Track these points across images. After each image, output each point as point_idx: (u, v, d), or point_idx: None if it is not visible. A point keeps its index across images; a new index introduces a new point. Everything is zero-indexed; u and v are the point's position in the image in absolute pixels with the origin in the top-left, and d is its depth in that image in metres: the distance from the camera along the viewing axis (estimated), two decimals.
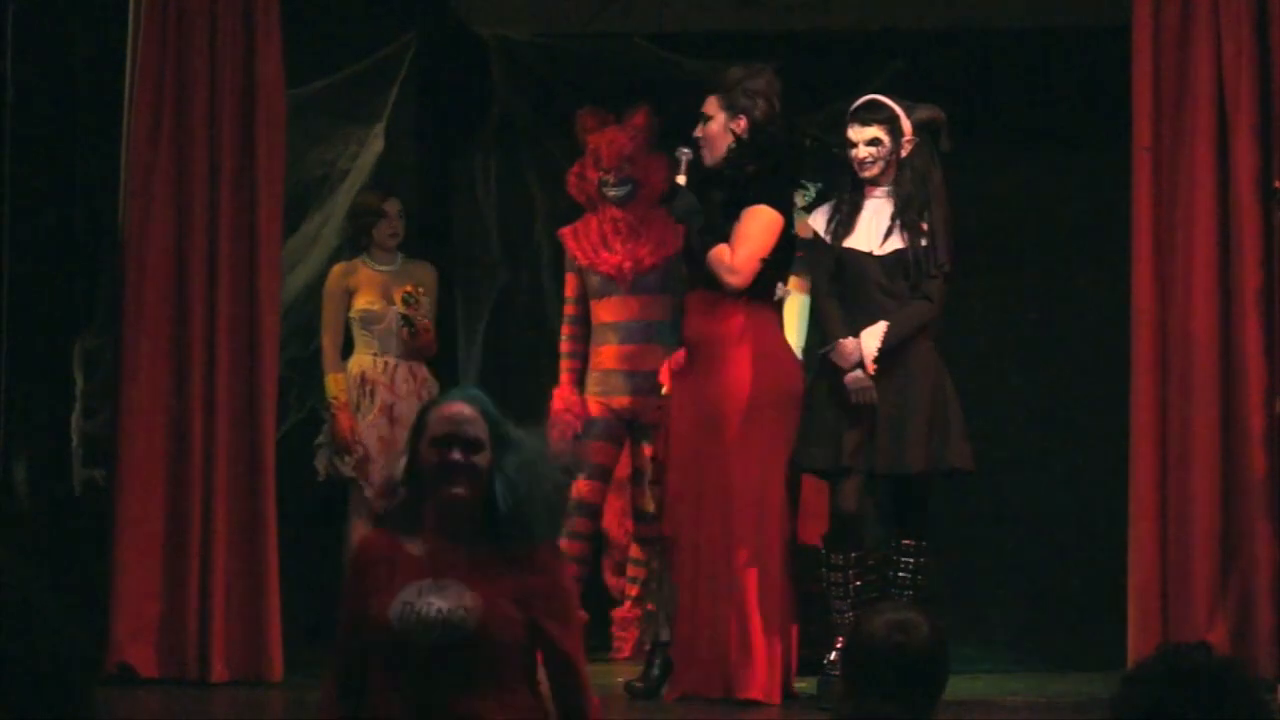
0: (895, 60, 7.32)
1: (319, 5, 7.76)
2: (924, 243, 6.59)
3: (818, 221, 6.74)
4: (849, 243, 6.65)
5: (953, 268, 6.62)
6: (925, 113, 6.68)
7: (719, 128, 6.80)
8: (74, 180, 7.83)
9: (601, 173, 7.64)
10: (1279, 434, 6.71)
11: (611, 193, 7.66)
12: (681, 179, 6.80)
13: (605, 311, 7.71)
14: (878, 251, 6.62)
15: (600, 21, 8.18)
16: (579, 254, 7.76)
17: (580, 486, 7.61)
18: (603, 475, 7.70)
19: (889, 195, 6.65)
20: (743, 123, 6.81)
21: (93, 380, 7.30)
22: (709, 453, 6.69)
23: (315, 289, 7.83)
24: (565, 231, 7.83)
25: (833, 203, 6.74)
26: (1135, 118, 6.86)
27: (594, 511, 7.71)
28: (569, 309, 7.85)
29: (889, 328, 6.53)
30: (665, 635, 6.85)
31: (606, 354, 7.69)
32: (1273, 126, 6.78)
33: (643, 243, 7.70)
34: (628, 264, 7.70)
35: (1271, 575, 6.71)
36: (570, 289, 7.85)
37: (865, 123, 6.65)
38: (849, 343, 6.54)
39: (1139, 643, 6.66)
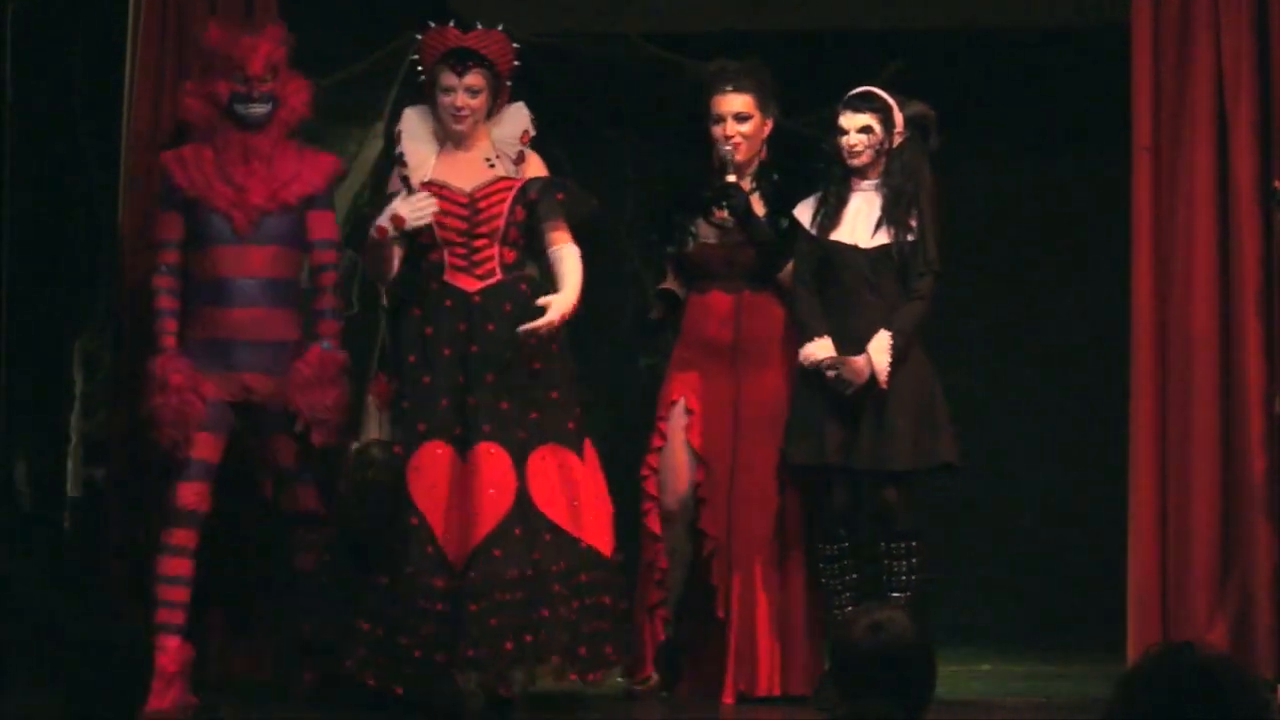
0: (895, 60, 7.30)
1: (319, 5, 7.76)
2: (911, 238, 6.58)
3: (803, 214, 6.72)
4: (836, 235, 6.64)
5: (941, 266, 6.62)
6: (917, 108, 6.68)
7: (756, 128, 6.79)
8: (74, 180, 7.82)
9: (240, 85, 6.61)
10: (1279, 434, 6.71)
11: (255, 109, 6.63)
12: (733, 178, 6.74)
13: (221, 263, 6.60)
14: (864, 245, 6.61)
15: (600, 21, 8.17)
16: (188, 186, 6.63)
17: (185, 492, 6.59)
18: (211, 475, 6.62)
19: (877, 188, 6.64)
20: (770, 125, 6.82)
21: (93, 380, 7.30)
22: (761, 449, 6.69)
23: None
24: (169, 157, 6.71)
25: (818, 195, 6.72)
26: (1135, 118, 6.87)
27: (203, 521, 6.62)
28: (169, 255, 6.63)
29: (894, 337, 6.50)
30: (668, 635, 6.84)
31: (221, 319, 6.61)
32: (1273, 126, 6.79)
33: (275, 178, 6.67)
34: (254, 201, 6.61)
35: (1271, 575, 6.71)
36: (170, 229, 6.65)
37: (858, 110, 6.65)
38: (859, 361, 6.50)
39: (1139, 643, 6.67)
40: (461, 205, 6.55)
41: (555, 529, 6.41)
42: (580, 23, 8.20)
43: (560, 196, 6.60)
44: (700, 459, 6.75)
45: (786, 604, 6.71)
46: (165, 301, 6.60)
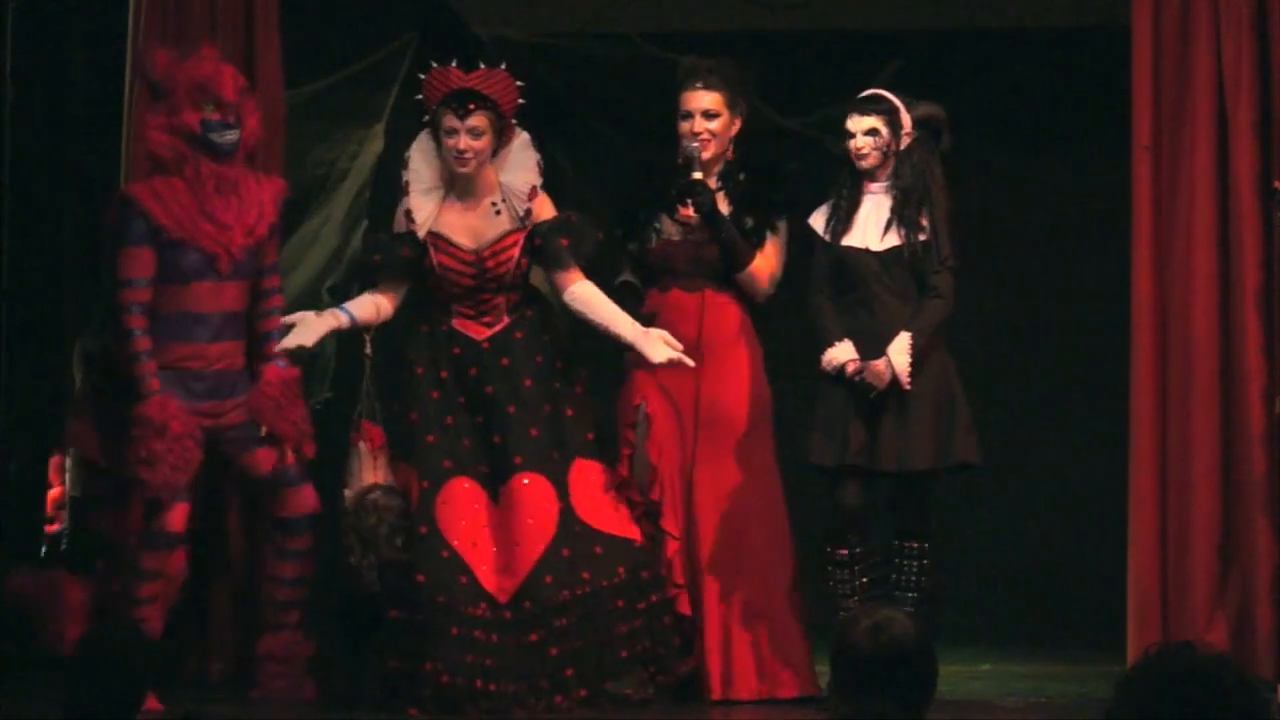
0: (895, 60, 7.31)
1: (319, 5, 7.76)
2: (923, 237, 6.58)
3: (816, 221, 6.73)
4: (848, 240, 6.64)
5: (956, 263, 6.62)
6: (926, 109, 6.68)
7: (724, 126, 6.76)
8: (74, 180, 7.83)
9: (212, 113, 6.57)
10: (1279, 434, 6.71)
11: (230, 136, 6.59)
12: (698, 175, 6.70)
13: (197, 299, 6.61)
14: (876, 247, 6.61)
15: (600, 21, 8.17)
16: (172, 225, 6.57)
17: (175, 518, 6.62)
18: (190, 498, 6.65)
19: (887, 190, 6.64)
20: (739, 125, 6.79)
21: (92, 380, 7.29)
22: (723, 447, 6.67)
23: (315, 290, 7.83)
24: (144, 193, 6.61)
25: (831, 201, 6.73)
26: (1135, 118, 6.87)
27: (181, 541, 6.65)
28: (142, 294, 6.56)
29: (913, 338, 6.50)
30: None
31: (196, 353, 6.64)
32: (1273, 126, 6.79)
33: (248, 212, 6.65)
34: (238, 240, 6.59)
35: (1271, 575, 6.72)
36: (143, 267, 6.56)
37: (864, 113, 6.64)
38: (879, 365, 6.51)
39: (1138, 642, 6.67)
40: (468, 264, 6.54)
41: (607, 539, 6.50)
42: (580, 23, 8.20)
43: (565, 243, 6.56)
44: (653, 467, 6.70)
45: (757, 605, 6.66)
46: (143, 342, 6.56)
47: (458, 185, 6.56)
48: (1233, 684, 2.94)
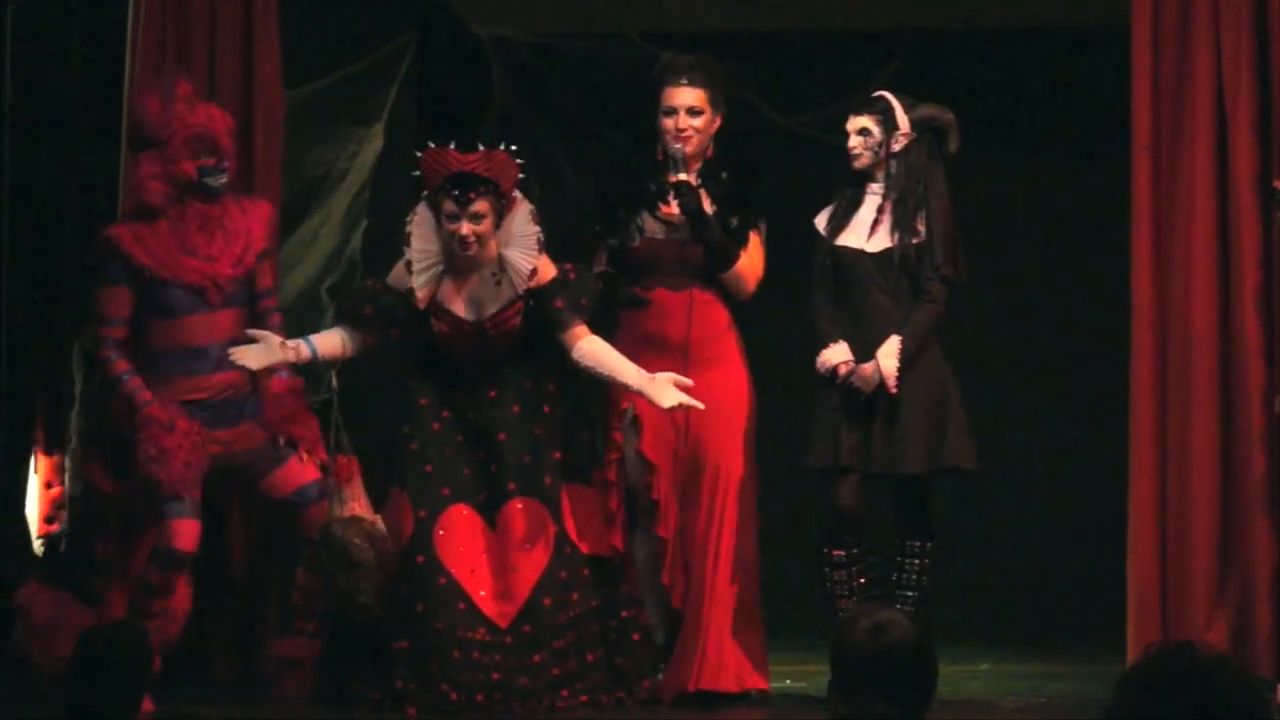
0: (895, 60, 7.31)
1: (319, 5, 7.77)
2: (916, 241, 6.58)
3: (819, 220, 6.74)
4: (842, 240, 6.65)
5: (954, 271, 6.61)
6: (928, 111, 6.67)
7: (707, 123, 6.74)
8: (74, 180, 7.83)
9: (208, 159, 6.60)
10: (1279, 434, 6.71)
11: (222, 180, 6.63)
12: (683, 175, 6.68)
13: (191, 332, 6.64)
14: (869, 248, 6.62)
15: (600, 21, 8.18)
16: (154, 265, 6.62)
17: (187, 538, 6.60)
18: (199, 518, 6.65)
19: (883, 192, 6.65)
20: (719, 122, 6.77)
21: (92, 380, 7.31)
22: (706, 446, 6.67)
23: (314, 290, 7.83)
24: (125, 237, 6.65)
25: (835, 201, 6.74)
26: (1135, 118, 6.87)
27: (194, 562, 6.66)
28: (117, 331, 6.63)
29: (902, 342, 6.51)
30: (661, 638, 6.82)
31: (200, 385, 6.67)
32: (1273, 126, 6.79)
33: (235, 242, 6.69)
34: (225, 271, 6.64)
35: (1271, 575, 6.71)
36: (121, 306, 6.64)
37: (858, 113, 6.66)
38: (867, 368, 6.53)
39: (1138, 643, 6.66)
40: (469, 334, 6.53)
41: (593, 561, 6.57)
42: (580, 23, 8.20)
43: (559, 304, 6.47)
44: (652, 465, 6.71)
45: (746, 599, 6.64)
46: (123, 364, 6.61)
47: (459, 260, 6.48)
48: (1233, 684, 2.94)
